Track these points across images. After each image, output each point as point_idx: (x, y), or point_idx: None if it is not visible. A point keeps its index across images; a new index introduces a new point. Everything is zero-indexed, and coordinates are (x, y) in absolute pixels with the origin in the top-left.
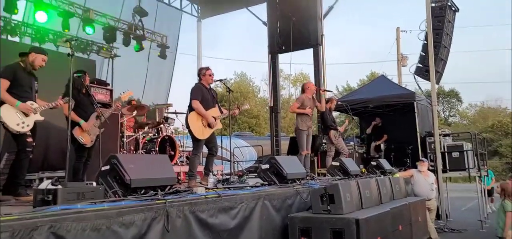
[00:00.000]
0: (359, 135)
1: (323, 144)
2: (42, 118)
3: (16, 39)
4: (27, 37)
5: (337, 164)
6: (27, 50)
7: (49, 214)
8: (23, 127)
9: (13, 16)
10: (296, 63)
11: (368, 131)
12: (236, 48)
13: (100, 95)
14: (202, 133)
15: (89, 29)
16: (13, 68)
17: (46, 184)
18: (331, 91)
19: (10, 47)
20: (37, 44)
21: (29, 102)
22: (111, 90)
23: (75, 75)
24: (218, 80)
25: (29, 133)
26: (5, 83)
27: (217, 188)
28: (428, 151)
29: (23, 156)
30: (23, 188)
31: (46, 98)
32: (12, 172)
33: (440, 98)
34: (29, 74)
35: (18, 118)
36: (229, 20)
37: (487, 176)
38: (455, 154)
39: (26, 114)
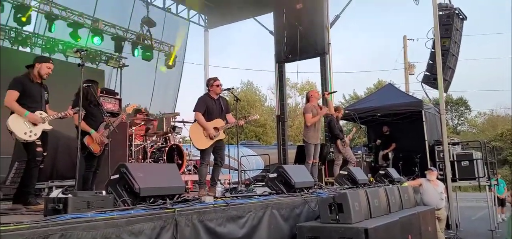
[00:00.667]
0: (366, 144)
1: (331, 153)
2: (50, 127)
3: (27, 50)
4: (38, 47)
5: (345, 173)
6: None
7: (60, 223)
8: (30, 136)
9: (24, 27)
10: (303, 72)
11: (378, 142)
12: (243, 57)
13: (109, 104)
14: (203, 143)
15: (96, 39)
16: (21, 80)
17: (56, 193)
18: (336, 92)
19: (22, 58)
20: (47, 54)
21: (38, 112)
22: (119, 100)
23: (85, 85)
24: (225, 89)
25: (39, 142)
26: (15, 94)
27: (225, 197)
28: (437, 160)
29: (32, 165)
30: (33, 197)
31: (56, 108)
32: (22, 181)
33: (449, 107)
34: (38, 84)
35: (26, 128)
36: (236, 30)
37: (498, 184)
38: (465, 163)
39: (34, 124)
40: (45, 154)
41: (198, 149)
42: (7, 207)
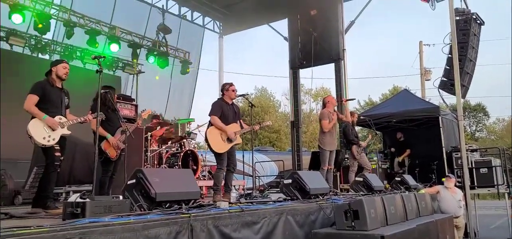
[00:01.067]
0: (382, 150)
1: (346, 159)
2: (69, 132)
3: (47, 57)
4: (57, 54)
5: (361, 179)
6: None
7: (78, 227)
8: (49, 141)
9: (44, 35)
10: (317, 77)
11: (392, 149)
12: (257, 64)
13: (125, 110)
14: (220, 147)
15: (113, 46)
16: (41, 84)
17: (74, 197)
18: (354, 99)
19: (41, 65)
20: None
21: (57, 117)
22: (136, 106)
23: (102, 91)
24: (240, 95)
25: (57, 147)
26: (34, 98)
27: (240, 203)
28: (455, 167)
29: (51, 169)
30: (51, 201)
31: (75, 113)
32: (41, 185)
33: (466, 113)
34: (59, 89)
35: (45, 132)
36: (250, 36)
37: None
38: (483, 170)
39: (53, 129)
40: (62, 158)
41: (216, 153)
42: (26, 211)
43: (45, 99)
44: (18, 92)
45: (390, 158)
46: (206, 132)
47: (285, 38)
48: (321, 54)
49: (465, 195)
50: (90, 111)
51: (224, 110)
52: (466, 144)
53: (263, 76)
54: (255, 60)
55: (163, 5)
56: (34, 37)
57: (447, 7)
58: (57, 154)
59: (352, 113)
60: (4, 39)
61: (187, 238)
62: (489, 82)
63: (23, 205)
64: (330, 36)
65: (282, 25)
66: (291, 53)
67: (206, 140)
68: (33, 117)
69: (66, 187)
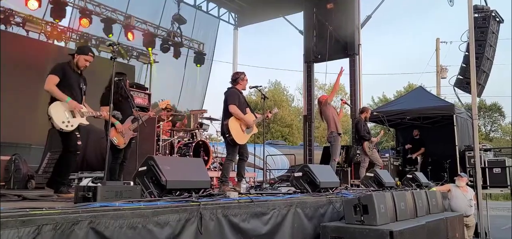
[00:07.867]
0: (394, 147)
1: (357, 155)
2: (87, 123)
3: (62, 44)
4: (72, 42)
5: (372, 175)
6: (74, 52)
7: (89, 210)
8: (67, 126)
9: (60, 22)
10: (332, 72)
11: (408, 146)
12: (271, 57)
13: (138, 99)
14: (241, 138)
15: (128, 35)
16: (62, 66)
17: (86, 182)
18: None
19: (57, 52)
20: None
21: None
22: (149, 95)
23: (115, 78)
24: (254, 87)
25: (78, 135)
26: (55, 79)
27: (249, 194)
28: (468, 166)
29: (72, 156)
30: (64, 186)
31: (87, 100)
32: (58, 170)
33: (481, 112)
34: (77, 74)
35: (65, 117)
36: (265, 29)
37: None
38: (497, 170)
39: (73, 115)
40: (79, 143)
41: (232, 144)
42: (39, 194)
43: (66, 82)
44: (34, 80)
45: (402, 155)
46: (227, 122)
47: (300, 32)
48: (336, 48)
49: (477, 194)
50: (100, 101)
51: (240, 99)
52: (480, 143)
53: (277, 70)
54: (269, 53)
55: None
56: (50, 24)
57: (466, 3)
58: (79, 141)
59: (365, 109)
60: (20, 25)
61: (196, 226)
62: (507, 82)
63: (36, 189)
64: (346, 31)
65: (298, 18)
66: (306, 46)
67: (228, 130)
68: (53, 100)
69: (78, 173)
